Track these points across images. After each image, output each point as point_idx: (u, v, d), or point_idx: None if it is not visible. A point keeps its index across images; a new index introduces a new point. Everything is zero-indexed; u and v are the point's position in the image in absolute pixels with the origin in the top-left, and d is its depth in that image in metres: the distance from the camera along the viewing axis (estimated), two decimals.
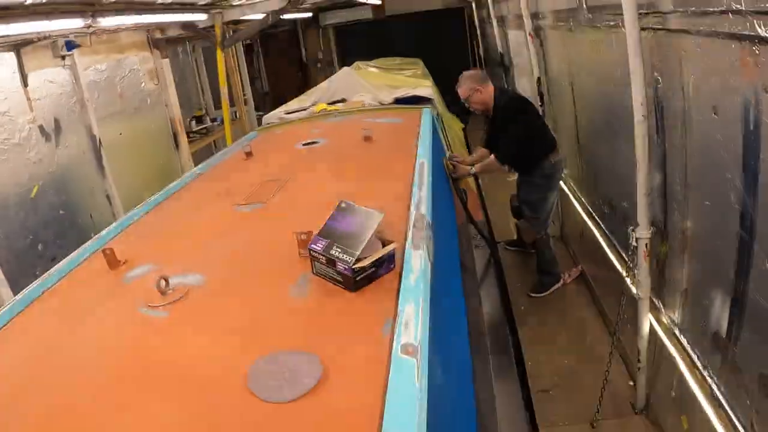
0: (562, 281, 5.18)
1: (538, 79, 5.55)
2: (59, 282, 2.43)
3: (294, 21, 12.30)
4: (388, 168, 3.33)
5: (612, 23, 3.13)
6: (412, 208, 2.39)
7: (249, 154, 4.14)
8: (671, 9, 2.37)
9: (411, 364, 1.41)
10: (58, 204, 5.22)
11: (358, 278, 1.88)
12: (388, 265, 1.97)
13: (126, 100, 6.45)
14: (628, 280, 3.33)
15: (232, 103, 8.63)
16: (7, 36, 4.58)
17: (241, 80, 9.10)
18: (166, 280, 2.03)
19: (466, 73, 4.75)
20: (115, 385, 1.64)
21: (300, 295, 1.96)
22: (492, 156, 4.65)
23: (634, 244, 2.92)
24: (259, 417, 1.38)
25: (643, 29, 2.54)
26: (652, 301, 3.25)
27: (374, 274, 1.93)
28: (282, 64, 12.05)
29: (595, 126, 4.39)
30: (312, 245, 2.01)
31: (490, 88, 4.66)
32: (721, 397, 2.66)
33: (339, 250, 1.91)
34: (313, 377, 1.45)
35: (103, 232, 2.94)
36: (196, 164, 7.50)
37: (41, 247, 4.90)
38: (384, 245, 1.97)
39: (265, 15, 6.72)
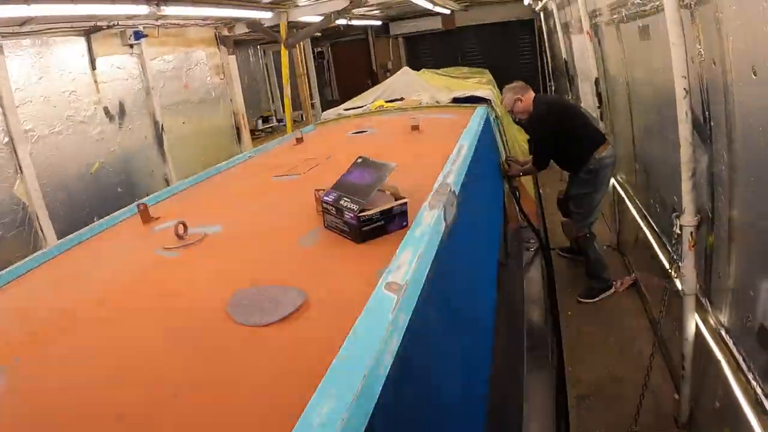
0: (613, 289, 4.86)
1: (596, 79, 5.28)
2: (100, 233, 2.65)
3: (365, 30, 12.37)
4: (430, 151, 3.35)
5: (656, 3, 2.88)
6: (440, 177, 2.32)
7: (300, 140, 4.33)
8: None
9: (390, 299, 1.32)
10: (117, 182, 5.44)
11: (364, 228, 1.86)
12: (400, 222, 1.94)
13: (191, 91, 6.65)
14: (673, 273, 3.02)
15: (299, 107, 8.72)
16: (79, 16, 4.81)
17: (309, 84, 9.16)
18: (185, 227, 2.19)
19: (507, 86, 4.89)
20: (109, 303, 1.81)
21: (307, 244, 2.01)
22: (530, 162, 4.72)
23: (677, 231, 2.63)
24: (228, 336, 1.44)
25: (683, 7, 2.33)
26: (698, 300, 2.94)
27: (383, 228, 1.90)
28: (352, 73, 12.07)
29: (648, 124, 4.12)
30: (324, 197, 2.03)
31: (530, 96, 4.72)
32: (765, 402, 2.34)
33: (348, 200, 1.92)
34: (291, 307, 1.48)
35: (147, 198, 3.10)
36: None
37: (96, 219, 5.03)
38: None
39: (326, 15, 6.72)
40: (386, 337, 1.17)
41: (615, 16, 4.18)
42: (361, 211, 1.86)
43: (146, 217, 2.66)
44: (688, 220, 2.58)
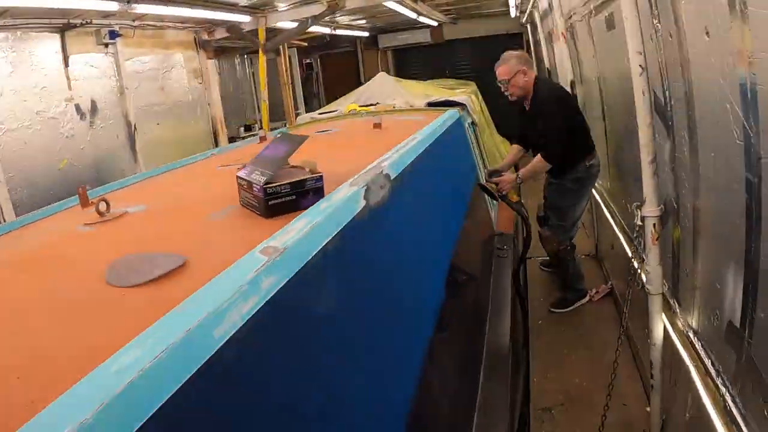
0: (588, 297, 4.59)
1: (572, 82, 5.05)
2: (46, 217, 2.58)
3: (353, 42, 12.29)
4: (383, 144, 3.13)
5: None
6: (375, 162, 2.14)
7: (263, 139, 4.23)
8: None
9: (258, 261, 1.15)
10: (86, 180, 5.25)
11: (271, 201, 1.74)
12: (314, 198, 1.78)
13: (167, 94, 6.45)
14: (638, 271, 2.79)
15: (282, 117, 8.55)
16: (52, 11, 4.70)
17: (294, 94, 8.99)
18: (107, 204, 2.15)
19: (511, 52, 4.17)
20: (11, 266, 1.78)
21: (215, 218, 1.91)
22: (538, 156, 4.05)
23: (639, 223, 2.40)
24: (92, 294, 1.38)
25: None
26: (666, 301, 2.71)
27: (295, 203, 1.77)
28: (340, 85, 11.79)
29: (620, 124, 3.82)
30: (239, 173, 1.91)
31: (533, 74, 4.11)
32: (734, 410, 2.11)
33: (258, 173, 1.80)
34: (160, 270, 1.39)
35: (99, 187, 3.03)
36: None
37: None
38: None
39: (304, 19, 6.57)
40: (235, 296, 1.01)
41: (585, 13, 3.97)
42: (268, 183, 1.72)
43: (84, 200, 2.60)
44: (650, 210, 2.33)
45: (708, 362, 2.37)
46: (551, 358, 3.98)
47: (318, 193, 1.79)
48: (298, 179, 1.76)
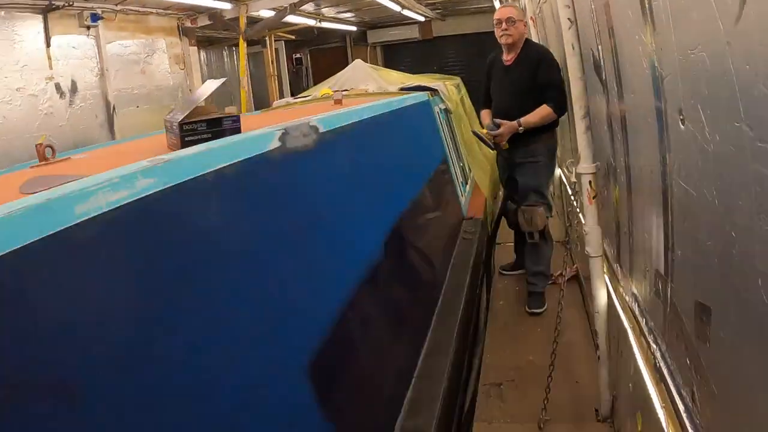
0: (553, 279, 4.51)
1: None
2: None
3: (343, 37, 12.37)
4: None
5: None
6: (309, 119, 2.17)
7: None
8: None
9: (141, 165, 1.23)
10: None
11: (187, 138, 1.81)
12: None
13: (147, 77, 6.50)
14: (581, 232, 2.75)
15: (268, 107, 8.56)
16: None
17: (281, 87, 9.01)
18: (53, 149, 2.28)
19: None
20: None
21: (140, 158, 1.88)
22: (544, 106, 3.77)
23: (573, 180, 2.37)
24: (4, 197, 1.36)
25: None
26: (609, 266, 2.68)
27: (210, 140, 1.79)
28: None
29: None
30: (165, 116, 1.99)
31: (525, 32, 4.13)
32: (663, 368, 2.07)
33: (178, 113, 1.88)
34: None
35: (72, 150, 3.04)
36: None
37: None
38: None
39: (282, 8, 6.61)
40: (105, 185, 1.07)
41: None
42: (184, 120, 1.80)
43: (42, 155, 2.65)
44: (584, 166, 2.29)
45: (642, 322, 2.34)
46: (508, 337, 3.90)
47: (235, 133, 1.83)
48: (214, 117, 1.81)
